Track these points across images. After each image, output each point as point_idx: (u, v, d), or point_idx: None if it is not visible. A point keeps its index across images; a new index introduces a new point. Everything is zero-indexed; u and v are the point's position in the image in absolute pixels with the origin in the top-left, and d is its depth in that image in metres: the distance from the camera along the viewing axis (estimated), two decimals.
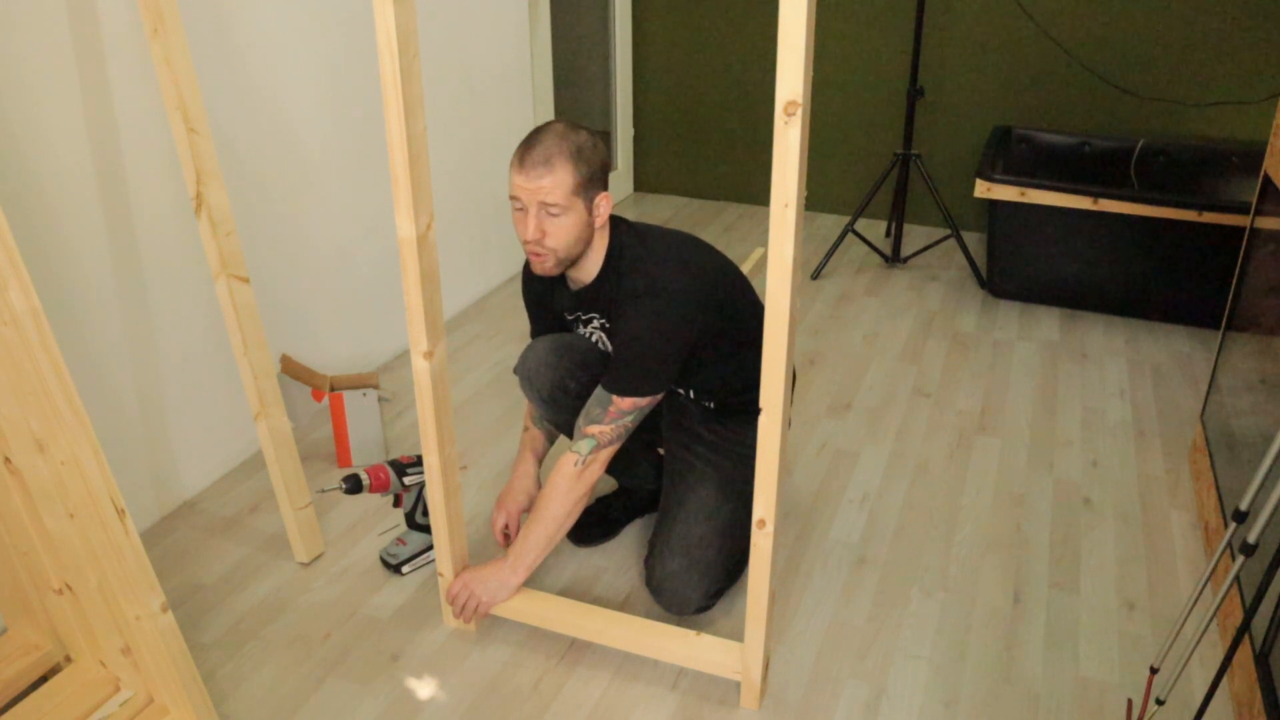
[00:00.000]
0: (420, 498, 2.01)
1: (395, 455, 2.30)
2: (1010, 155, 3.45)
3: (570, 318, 1.90)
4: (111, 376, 2.01)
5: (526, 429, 2.03)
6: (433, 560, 2.03)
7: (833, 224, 3.98)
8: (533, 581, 1.98)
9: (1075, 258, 3.06)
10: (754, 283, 1.93)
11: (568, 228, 1.65)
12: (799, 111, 1.21)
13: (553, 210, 1.62)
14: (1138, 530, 2.14)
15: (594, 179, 1.65)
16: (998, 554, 2.06)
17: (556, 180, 1.60)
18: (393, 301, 2.84)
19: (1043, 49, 3.50)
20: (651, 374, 1.70)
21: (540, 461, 2.02)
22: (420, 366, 1.62)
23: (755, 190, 4.18)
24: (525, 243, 1.66)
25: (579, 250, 1.70)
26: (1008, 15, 3.50)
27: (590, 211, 1.67)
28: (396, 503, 2.00)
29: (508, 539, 1.96)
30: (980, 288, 3.36)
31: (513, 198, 1.65)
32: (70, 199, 1.86)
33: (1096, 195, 2.92)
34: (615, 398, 1.70)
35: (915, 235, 3.84)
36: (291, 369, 2.34)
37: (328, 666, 1.78)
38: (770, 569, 1.53)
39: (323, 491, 1.88)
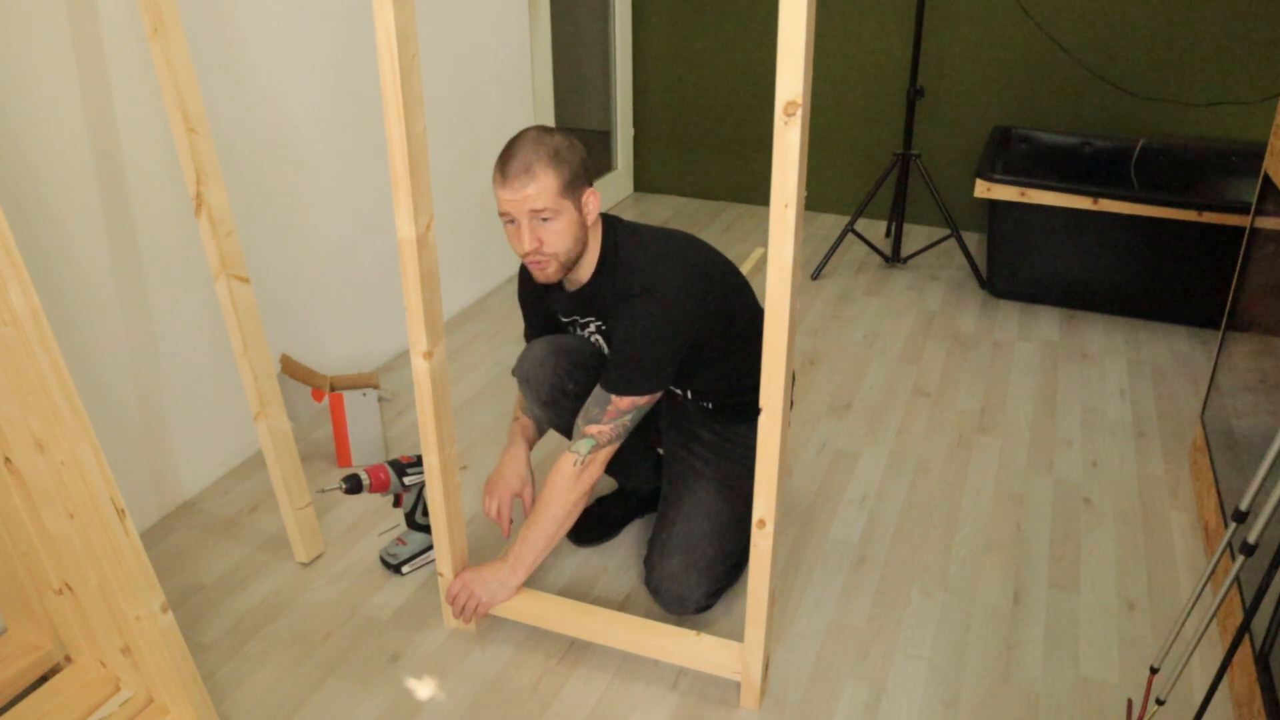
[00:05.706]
0: (420, 498, 2.01)
1: (395, 455, 2.30)
2: (1010, 155, 3.45)
3: (566, 320, 1.90)
4: (111, 376, 2.01)
5: (516, 418, 2.03)
6: (433, 560, 2.03)
7: (833, 224, 3.98)
8: (533, 581, 1.98)
9: (1075, 258, 3.06)
10: (754, 283, 1.93)
11: (563, 230, 1.65)
12: (799, 111, 1.21)
13: (544, 216, 1.62)
14: (1138, 530, 2.14)
15: (577, 178, 1.65)
16: (998, 554, 2.06)
17: (541, 186, 1.60)
18: (393, 301, 2.84)
19: (1043, 49, 3.50)
20: (650, 373, 1.70)
21: (531, 447, 1.99)
22: (420, 366, 1.62)
23: (755, 190, 4.18)
24: (525, 255, 1.67)
25: (578, 250, 1.70)
26: (1008, 15, 3.50)
27: (580, 210, 1.68)
28: (396, 503, 2.00)
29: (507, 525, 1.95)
30: (980, 288, 3.36)
31: (502, 214, 1.65)
32: (70, 199, 1.86)
33: (1096, 195, 2.92)
34: (614, 397, 1.70)
35: (915, 235, 3.84)
36: (291, 369, 2.34)
37: (328, 666, 1.78)
38: (770, 569, 1.53)
39: (323, 491, 1.88)
